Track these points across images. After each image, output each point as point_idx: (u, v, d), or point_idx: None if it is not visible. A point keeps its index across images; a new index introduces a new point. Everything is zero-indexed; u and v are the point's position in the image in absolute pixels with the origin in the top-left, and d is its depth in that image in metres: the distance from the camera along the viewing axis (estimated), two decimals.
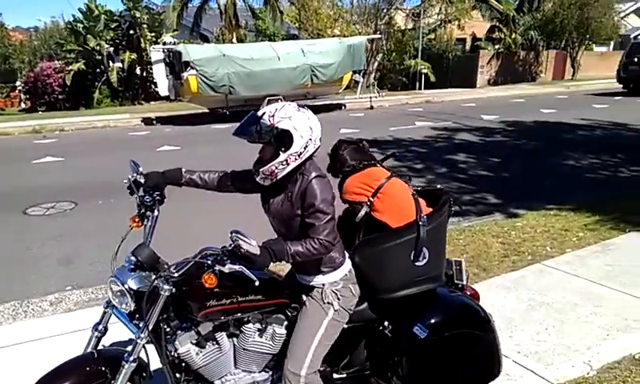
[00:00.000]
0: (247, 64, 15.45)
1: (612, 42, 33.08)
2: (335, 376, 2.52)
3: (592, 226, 5.62)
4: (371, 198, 2.47)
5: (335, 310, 2.31)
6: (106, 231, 6.40)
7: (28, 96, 21.58)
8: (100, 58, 20.44)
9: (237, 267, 2.04)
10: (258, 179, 2.28)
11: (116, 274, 2.27)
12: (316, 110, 15.28)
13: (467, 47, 30.46)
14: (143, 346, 2.21)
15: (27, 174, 9.79)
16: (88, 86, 20.57)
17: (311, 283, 2.35)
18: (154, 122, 16.73)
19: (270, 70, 15.68)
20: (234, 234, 2.00)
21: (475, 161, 9.60)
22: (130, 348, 2.21)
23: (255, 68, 15.51)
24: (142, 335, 2.18)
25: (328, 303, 2.30)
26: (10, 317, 4.29)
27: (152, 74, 20.67)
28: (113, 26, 20.54)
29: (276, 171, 2.21)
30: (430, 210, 2.49)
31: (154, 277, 2.16)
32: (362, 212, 2.49)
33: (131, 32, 20.55)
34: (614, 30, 28.48)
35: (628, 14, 32.70)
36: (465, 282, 2.64)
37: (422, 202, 2.51)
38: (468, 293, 2.67)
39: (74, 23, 20.40)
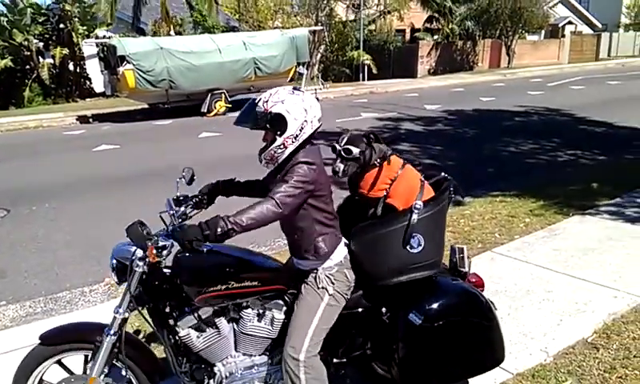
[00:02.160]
0: (187, 57, 15.00)
1: (543, 31, 34.55)
2: (335, 360, 2.53)
3: (537, 211, 5.78)
4: (389, 189, 2.49)
5: (330, 295, 2.34)
6: (42, 239, 6.03)
7: None
8: (29, 53, 19.25)
9: (168, 242, 2.18)
10: (262, 165, 2.36)
11: (114, 248, 2.37)
12: None
13: (407, 38, 30.94)
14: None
15: None
16: (17, 83, 19.39)
17: (306, 269, 2.39)
18: (91, 119, 16.00)
19: (211, 64, 15.30)
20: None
21: (419, 150, 9.72)
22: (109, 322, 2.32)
23: (196, 61, 15.08)
24: (120, 309, 2.29)
25: (322, 288, 2.33)
26: None
27: (86, 69, 19.78)
28: (41, 20, 19.39)
29: (275, 155, 2.28)
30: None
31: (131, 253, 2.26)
32: (381, 203, 2.49)
33: (61, 26, 19.47)
34: (545, 19, 29.69)
35: (556, 4, 34.19)
36: (467, 269, 2.61)
37: (429, 188, 2.51)
38: (473, 280, 2.62)
39: None
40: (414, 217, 2.33)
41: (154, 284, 2.35)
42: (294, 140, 2.25)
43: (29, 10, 18.74)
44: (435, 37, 28.49)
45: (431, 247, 2.40)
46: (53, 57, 19.64)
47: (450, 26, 27.78)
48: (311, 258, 2.36)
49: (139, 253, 2.24)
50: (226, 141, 11.75)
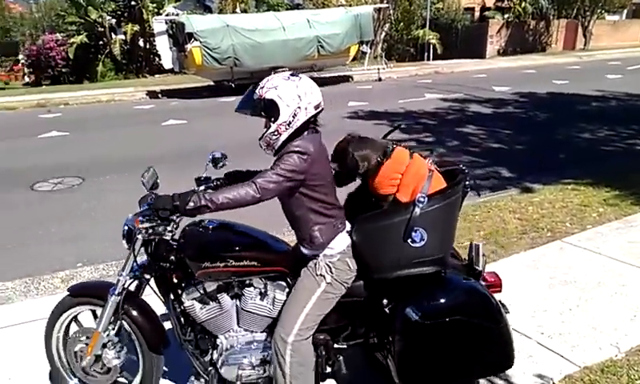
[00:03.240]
0: (252, 35, 15.14)
1: (625, 11, 32.29)
2: (336, 346, 2.52)
3: (612, 201, 5.46)
4: (398, 183, 2.40)
5: (327, 283, 2.33)
6: (114, 207, 6.33)
7: (32, 69, 21.33)
8: (102, 30, 20.11)
9: (146, 209, 2.33)
10: (263, 151, 2.37)
11: (128, 216, 2.45)
12: (323, 82, 15.05)
13: (476, 16, 29.80)
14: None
15: (33, 148, 9.67)
16: (91, 58, 20.31)
17: (309, 255, 2.39)
18: (159, 95, 16.52)
19: (275, 41, 15.36)
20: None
21: (487, 133, 9.39)
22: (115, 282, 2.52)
23: (260, 39, 15.20)
24: (124, 273, 2.46)
25: (320, 275, 2.32)
26: (21, 294, 4.24)
27: (155, 46, 20.42)
28: None
29: (271, 142, 2.28)
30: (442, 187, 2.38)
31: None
32: (391, 199, 2.42)
33: (133, 3, 20.17)
34: None
35: None
36: (481, 268, 2.46)
37: (439, 179, 2.39)
38: (490, 279, 2.49)
39: None
40: (417, 210, 2.23)
41: (162, 254, 2.45)
42: (287, 127, 2.22)
43: None
44: (506, 15, 27.25)
45: (435, 242, 2.29)
46: (124, 33, 20.39)
47: (522, 5, 26.47)
48: (307, 245, 2.36)
49: (143, 222, 2.35)
50: None
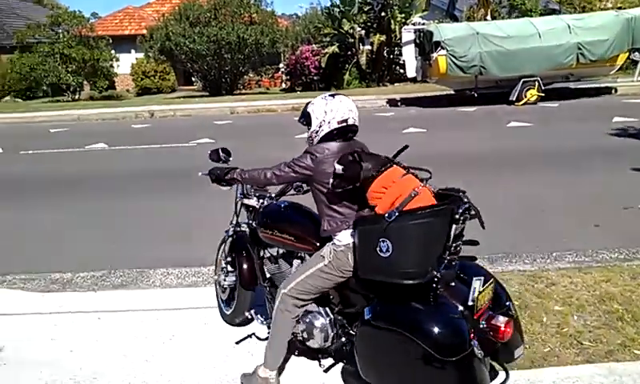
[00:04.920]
0: (502, 42, 14.30)
1: None
2: (351, 332, 2.80)
3: None
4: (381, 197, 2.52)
5: (325, 264, 2.71)
6: None
7: (289, 77, 23.94)
8: (352, 40, 21.41)
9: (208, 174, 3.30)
10: None
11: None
12: (580, 93, 13.53)
13: None
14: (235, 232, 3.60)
15: (290, 146, 10.62)
16: (340, 67, 21.80)
17: (325, 238, 2.82)
18: (399, 103, 16.81)
19: (527, 49, 14.24)
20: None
21: None
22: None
23: (511, 46, 14.26)
24: (233, 221, 3.61)
25: (322, 256, 2.74)
26: None
27: (399, 55, 20.91)
28: (366, 10, 21.26)
29: (308, 143, 2.82)
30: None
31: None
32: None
33: (382, 14, 20.97)
34: None
35: None
36: (471, 303, 2.38)
37: (426, 199, 2.42)
38: (491, 322, 2.40)
39: (331, 8, 21.73)
40: (384, 223, 2.35)
41: (252, 216, 3.45)
42: (315, 134, 2.75)
43: (357, 0, 20.71)
44: None
45: (402, 256, 2.36)
46: (371, 43, 21.36)
47: None
48: (321, 232, 2.79)
49: (239, 192, 3.48)
50: (536, 132, 10.79)
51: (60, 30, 22.80)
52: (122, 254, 5.57)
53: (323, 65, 21.21)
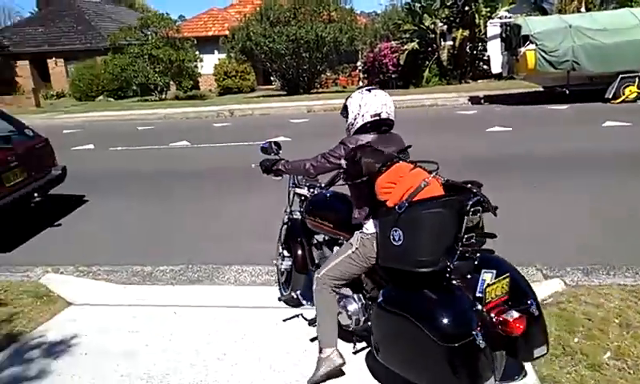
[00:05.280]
0: (598, 35, 13.21)
1: None
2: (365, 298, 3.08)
3: None
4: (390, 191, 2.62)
5: (352, 251, 2.87)
6: None
7: (366, 75, 23.71)
8: (433, 36, 20.80)
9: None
10: None
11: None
12: None
13: None
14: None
15: None
16: (419, 64, 21.26)
17: (356, 226, 2.95)
18: (482, 100, 16.08)
19: (626, 42, 13.05)
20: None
21: None
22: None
23: (607, 40, 13.13)
24: (288, 210, 3.88)
25: (350, 243, 2.91)
26: None
27: (482, 51, 20.07)
28: (448, 4, 20.56)
29: (347, 134, 2.98)
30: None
31: None
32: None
33: (466, 8, 20.20)
34: None
35: None
36: (479, 294, 2.45)
37: (434, 189, 2.54)
38: (501, 317, 2.41)
39: (412, 4, 21.22)
40: (395, 213, 2.48)
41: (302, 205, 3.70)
42: (351, 126, 2.91)
43: None
44: None
45: (413, 244, 2.46)
46: (453, 39, 20.65)
47: None
48: (353, 219, 2.93)
49: (291, 182, 3.76)
50: (636, 132, 9.86)
51: (149, 32, 23.99)
52: (200, 249, 5.67)
53: (402, 62, 20.74)
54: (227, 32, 23.61)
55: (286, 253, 3.86)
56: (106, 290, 4.76)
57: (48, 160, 7.08)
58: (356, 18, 23.36)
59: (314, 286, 3.05)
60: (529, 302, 2.52)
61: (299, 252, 3.66)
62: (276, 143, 3.68)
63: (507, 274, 2.49)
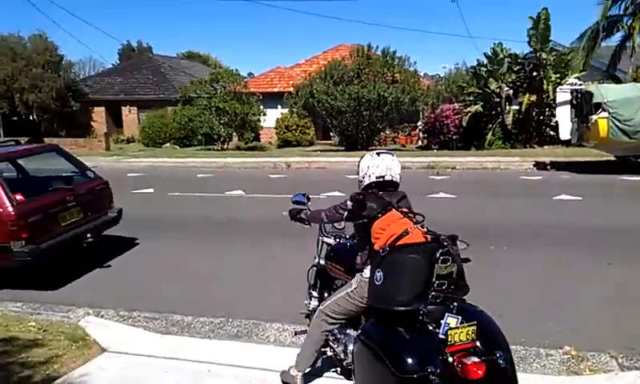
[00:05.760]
0: None
1: None
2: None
3: None
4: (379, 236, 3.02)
5: (351, 290, 3.25)
6: (495, 280, 5.69)
7: (426, 135, 23.45)
8: (498, 100, 20.39)
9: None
10: None
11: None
12: None
13: None
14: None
15: (421, 207, 10.05)
16: (482, 127, 20.81)
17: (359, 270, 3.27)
18: (548, 167, 15.35)
19: None
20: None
21: None
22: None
23: None
24: (314, 260, 4.13)
25: (350, 283, 3.30)
26: None
27: (549, 116, 19.41)
28: (515, 69, 20.18)
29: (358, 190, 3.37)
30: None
31: None
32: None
33: (534, 74, 19.75)
34: None
35: None
36: (441, 335, 2.58)
37: (415, 237, 2.88)
38: (462, 361, 2.48)
39: (477, 67, 21.00)
40: (378, 256, 2.86)
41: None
42: (360, 183, 3.33)
43: (506, 59, 19.79)
44: None
45: (389, 285, 2.75)
46: (519, 103, 20.12)
47: None
48: (355, 264, 3.29)
49: (320, 231, 4.05)
50: None
51: (218, 86, 25.02)
52: (243, 300, 5.49)
53: (464, 124, 20.39)
54: (291, 89, 24.23)
55: (314, 294, 4.10)
56: (142, 339, 4.62)
57: (105, 202, 7.21)
58: (419, 79, 23.42)
59: (315, 315, 3.48)
60: (498, 354, 2.60)
61: (324, 294, 3.91)
62: (304, 194, 3.99)
63: (474, 322, 2.60)
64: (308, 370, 3.54)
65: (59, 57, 31.82)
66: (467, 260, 2.87)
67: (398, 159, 3.30)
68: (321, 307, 3.41)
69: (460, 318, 2.61)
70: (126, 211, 7.46)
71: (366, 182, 3.24)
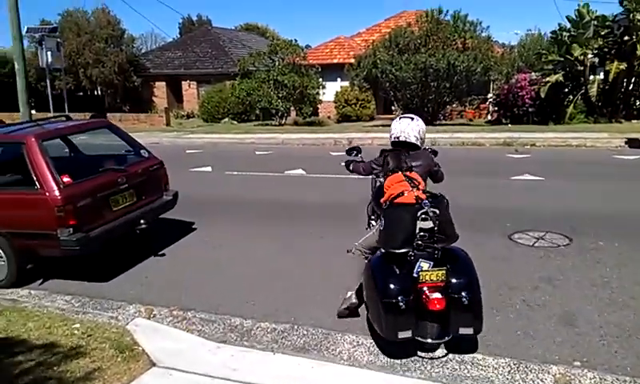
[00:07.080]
0: None
1: None
2: None
3: None
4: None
5: (373, 232, 3.99)
6: (615, 284, 4.67)
7: (497, 108, 21.76)
8: (582, 68, 18.46)
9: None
10: None
11: None
12: None
13: None
14: None
15: (507, 191, 8.97)
16: (562, 99, 19.00)
17: None
18: None
19: None
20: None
21: None
22: None
23: None
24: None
25: (375, 226, 4.10)
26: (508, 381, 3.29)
27: None
28: (603, 33, 18.12)
29: None
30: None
31: None
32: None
33: (625, 38, 17.66)
34: None
35: None
36: (415, 274, 3.48)
37: (408, 197, 3.62)
38: (427, 294, 3.41)
39: (558, 32, 19.06)
40: (383, 207, 3.75)
41: None
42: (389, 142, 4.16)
43: (593, 23, 17.76)
44: None
45: (386, 232, 3.64)
46: (606, 72, 18.15)
47: None
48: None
49: None
50: None
51: (276, 59, 24.27)
52: (312, 301, 4.80)
53: (542, 95, 18.62)
54: (352, 60, 23.10)
55: (373, 224, 4.35)
56: (196, 349, 4.02)
57: (160, 184, 6.63)
58: (492, 46, 21.62)
59: (353, 250, 4.19)
60: (463, 293, 3.38)
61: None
62: (357, 148, 4.57)
63: (445, 267, 3.45)
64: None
65: (121, 31, 32.06)
66: (445, 219, 3.54)
67: (418, 123, 4.09)
68: (356, 244, 4.16)
69: (432, 263, 3.46)
70: (182, 192, 6.89)
71: (390, 141, 4.17)
